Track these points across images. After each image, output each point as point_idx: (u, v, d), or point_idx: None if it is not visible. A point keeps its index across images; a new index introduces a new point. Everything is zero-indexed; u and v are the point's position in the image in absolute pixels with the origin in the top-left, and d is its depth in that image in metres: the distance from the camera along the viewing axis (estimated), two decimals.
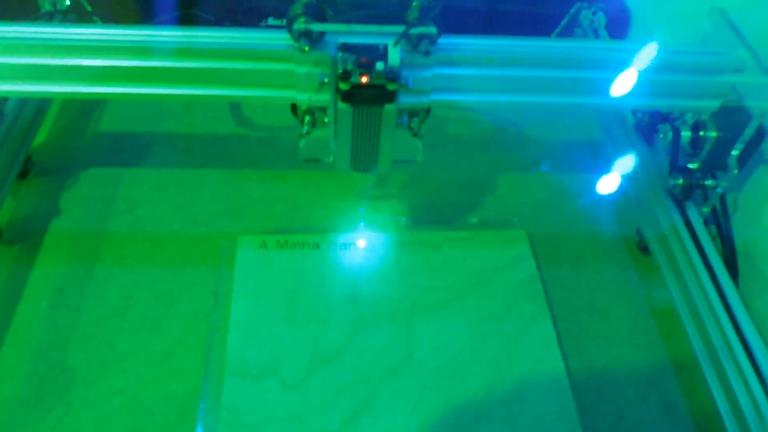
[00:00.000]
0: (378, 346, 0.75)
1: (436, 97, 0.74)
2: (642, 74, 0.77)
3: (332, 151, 0.76)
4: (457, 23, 1.12)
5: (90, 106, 1.03)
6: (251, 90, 0.74)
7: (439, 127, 1.04)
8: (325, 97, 0.72)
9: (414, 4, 0.69)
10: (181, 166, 0.94)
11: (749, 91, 0.77)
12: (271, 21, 1.05)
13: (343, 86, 0.66)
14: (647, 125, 0.90)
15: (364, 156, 0.75)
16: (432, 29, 0.68)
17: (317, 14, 0.68)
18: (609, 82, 0.76)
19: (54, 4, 0.96)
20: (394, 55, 0.66)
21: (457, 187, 0.95)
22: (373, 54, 0.67)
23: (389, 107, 0.69)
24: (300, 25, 0.67)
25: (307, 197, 0.92)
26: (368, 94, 0.67)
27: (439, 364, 0.74)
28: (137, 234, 0.85)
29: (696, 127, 0.81)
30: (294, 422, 0.68)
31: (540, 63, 0.75)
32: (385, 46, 0.67)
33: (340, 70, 0.66)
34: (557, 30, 1.08)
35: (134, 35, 0.71)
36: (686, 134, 0.82)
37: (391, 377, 0.72)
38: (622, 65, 0.76)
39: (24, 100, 0.87)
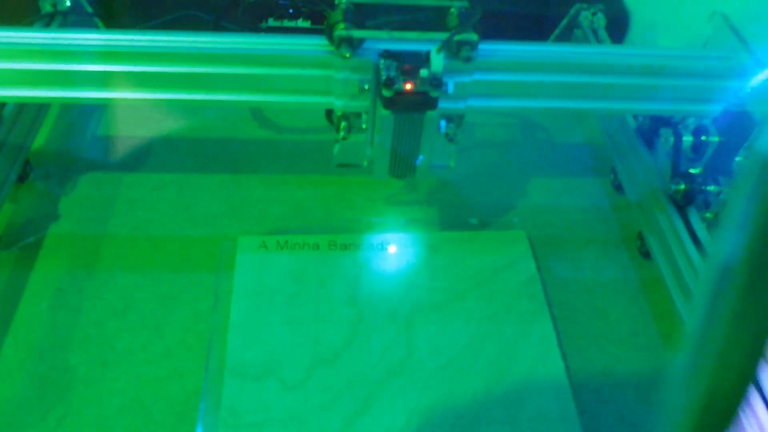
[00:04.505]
0: (378, 346, 0.75)
1: (472, 102, 0.75)
2: (643, 78, 0.77)
3: (367, 156, 0.77)
4: None
5: (89, 109, 1.03)
6: (285, 96, 0.75)
7: None
8: (363, 104, 0.73)
9: (452, 10, 0.70)
10: (181, 167, 0.94)
11: (751, 96, 0.77)
12: (271, 22, 1.06)
13: (387, 93, 0.67)
14: (648, 129, 0.90)
15: (402, 162, 0.76)
16: (473, 36, 0.68)
17: (356, 20, 0.69)
18: (645, 88, 0.78)
19: (54, 6, 0.96)
20: (438, 62, 0.67)
21: (457, 187, 0.95)
22: (415, 61, 0.68)
23: (431, 114, 0.70)
24: (341, 31, 0.67)
25: (307, 198, 0.92)
26: (412, 100, 0.68)
27: (439, 364, 0.74)
28: (137, 235, 0.85)
29: (698, 132, 0.81)
30: (294, 422, 0.68)
31: (575, 69, 0.76)
32: (427, 53, 0.67)
33: (384, 77, 0.66)
34: (557, 31, 1.08)
35: (156, 41, 0.72)
36: (688, 139, 0.82)
37: (391, 377, 0.72)
38: (651, 71, 0.77)
39: (23, 104, 0.87)
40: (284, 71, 0.73)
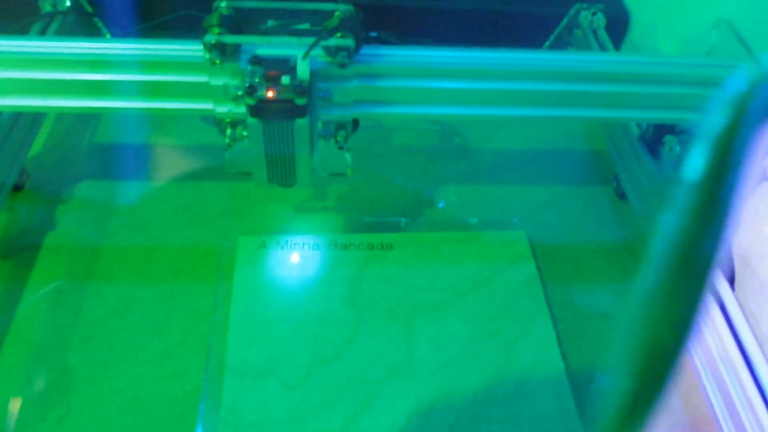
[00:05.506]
0: (378, 346, 0.75)
1: (360, 109, 0.73)
2: (648, 87, 0.77)
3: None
4: (453, 25, 1.13)
5: (86, 116, 1.02)
6: (168, 101, 0.73)
7: (439, 127, 1.04)
8: (241, 110, 0.70)
9: (336, 13, 0.67)
10: (180, 168, 0.94)
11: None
12: (270, 23, 1.05)
13: (249, 101, 0.64)
14: (652, 136, 0.89)
15: (281, 170, 0.74)
16: (348, 41, 0.65)
17: (233, 25, 0.66)
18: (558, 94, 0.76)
19: (54, 6, 0.96)
20: (304, 69, 0.64)
21: (456, 187, 0.95)
22: (283, 67, 0.65)
23: (301, 122, 0.67)
24: (211, 37, 0.65)
25: (307, 198, 0.92)
26: (275, 108, 0.65)
27: (439, 364, 0.74)
28: (137, 234, 0.85)
29: None
30: (294, 422, 0.68)
31: (468, 74, 0.74)
32: (296, 59, 0.65)
33: (247, 84, 0.64)
34: (556, 31, 1.08)
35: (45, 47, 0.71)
36: None
37: (391, 377, 0.72)
38: (652, 79, 0.76)
39: (19, 112, 0.86)
40: (166, 77, 0.71)
